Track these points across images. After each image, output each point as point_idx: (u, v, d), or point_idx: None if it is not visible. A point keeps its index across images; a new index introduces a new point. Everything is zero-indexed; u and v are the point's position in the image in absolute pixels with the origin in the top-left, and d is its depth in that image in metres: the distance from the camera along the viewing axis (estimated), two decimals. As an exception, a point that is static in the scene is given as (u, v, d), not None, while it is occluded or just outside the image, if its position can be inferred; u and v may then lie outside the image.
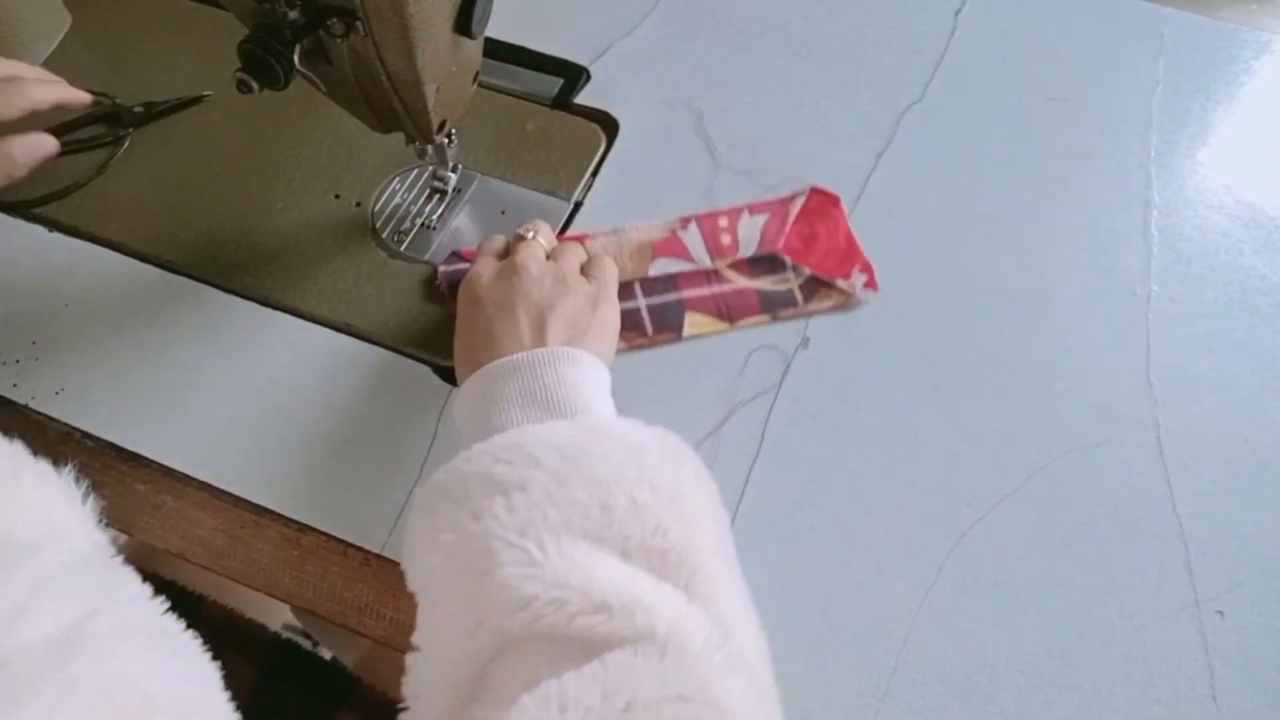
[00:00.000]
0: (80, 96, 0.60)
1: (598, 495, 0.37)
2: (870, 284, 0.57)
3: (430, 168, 0.62)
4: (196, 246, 0.61)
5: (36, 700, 0.26)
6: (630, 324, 0.56)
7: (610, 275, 0.53)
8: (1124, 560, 0.49)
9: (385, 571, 0.50)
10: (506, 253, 0.54)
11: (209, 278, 0.59)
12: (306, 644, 0.68)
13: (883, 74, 0.68)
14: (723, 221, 0.60)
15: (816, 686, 0.46)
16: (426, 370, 0.56)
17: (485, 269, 0.51)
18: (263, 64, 0.44)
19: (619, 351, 0.53)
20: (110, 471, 0.53)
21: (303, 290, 0.59)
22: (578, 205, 0.62)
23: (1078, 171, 0.63)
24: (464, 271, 0.54)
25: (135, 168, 0.64)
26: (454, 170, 0.62)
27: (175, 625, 0.35)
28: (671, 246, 0.59)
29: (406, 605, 0.49)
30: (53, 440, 0.54)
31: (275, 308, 0.58)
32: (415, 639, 0.39)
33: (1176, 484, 0.51)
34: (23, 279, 0.60)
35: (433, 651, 0.38)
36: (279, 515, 0.52)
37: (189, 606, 0.64)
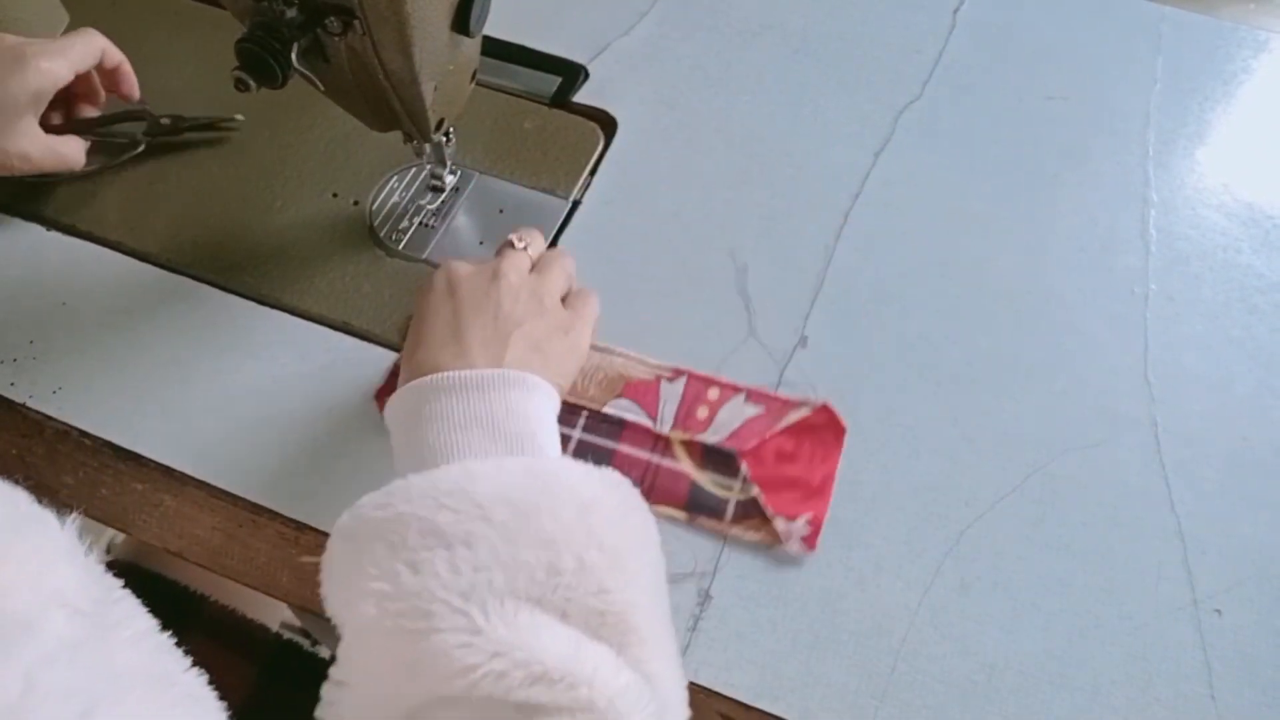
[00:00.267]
0: (135, 91, 0.63)
1: (545, 557, 0.36)
2: (809, 541, 0.49)
3: (428, 166, 0.62)
4: (194, 245, 0.61)
5: None
6: None
7: (590, 310, 0.51)
8: (1122, 559, 0.49)
9: (383, 571, 0.50)
10: None
11: (207, 276, 0.59)
12: (306, 643, 0.68)
13: (881, 73, 0.68)
14: (712, 393, 0.53)
15: (816, 686, 0.46)
16: (425, 369, 0.56)
17: (465, 265, 0.49)
18: (260, 62, 0.44)
19: None
20: (108, 470, 0.53)
21: (300, 289, 0.59)
22: (576, 204, 0.62)
23: (1076, 170, 0.63)
24: None
25: (134, 168, 0.64)
26: (452, 169, 0.62)
27: (177, 666, 0.34)
28: (644, 393, 0.53)
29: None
30: (50, 439, 0.54)
31: (273, 306, 0.58)
32: (338, 673, 0.37)
33: (1175, 483, 0.51)
34: (20, 277, 0.60)
35: (361, 691, 0.36)
36: (277, 514, 0.51)
37: (189, 605, 0.64)
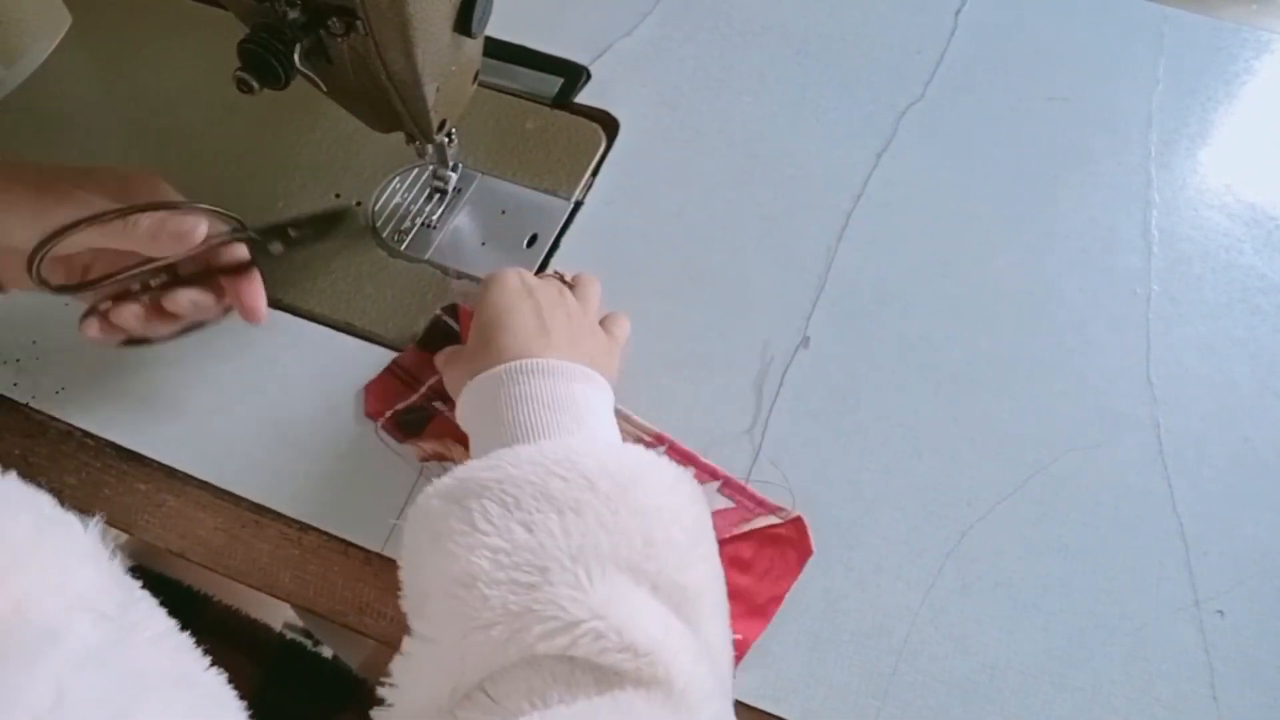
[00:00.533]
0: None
1: (643, 527, 0.38)
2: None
3: (430, 167, 0.62)
4: (197, 246, 0.61)
5: None
6: None
7: (624, 334, 0.55)
8: (1124, 560, 0.49)
9: (386, 571, 0.50)
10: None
11: (209, 277, 0.59)
12: (308, 644, 0.68)
13: (882, 73, 0.68)
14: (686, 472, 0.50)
15: (816, 686, 0.46)
16: (427, 370, 0.56)
17: (527, 272, 0.51)
18: (263, 63, 0.44)
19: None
20: (111, 471, 0.53)
21: (303, 289, 0.59)
22: (578, 205, 0.62)
23: (1078, 171, 0.63)
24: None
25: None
26: (454, 169, 0.62)
27: (197, 666, 0.35)
28: None
29: (407, 605, 0.49)
30: (53, 439, 0.54)
31: (275, 307, 0.58)
32: (422, 627, 0.38)
33: (1176, 483, 0.51)
34: (23, 278, 0.60)
35: (442, 645, 0.37)
36: (279, 514, 0.52)
37: (193, 605, 0.64)
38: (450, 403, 0.52)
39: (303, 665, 0.64)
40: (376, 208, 0.62)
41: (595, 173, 0.64)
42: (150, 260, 0.49)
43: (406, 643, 0.38)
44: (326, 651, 0.81)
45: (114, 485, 0.53)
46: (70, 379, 0.56)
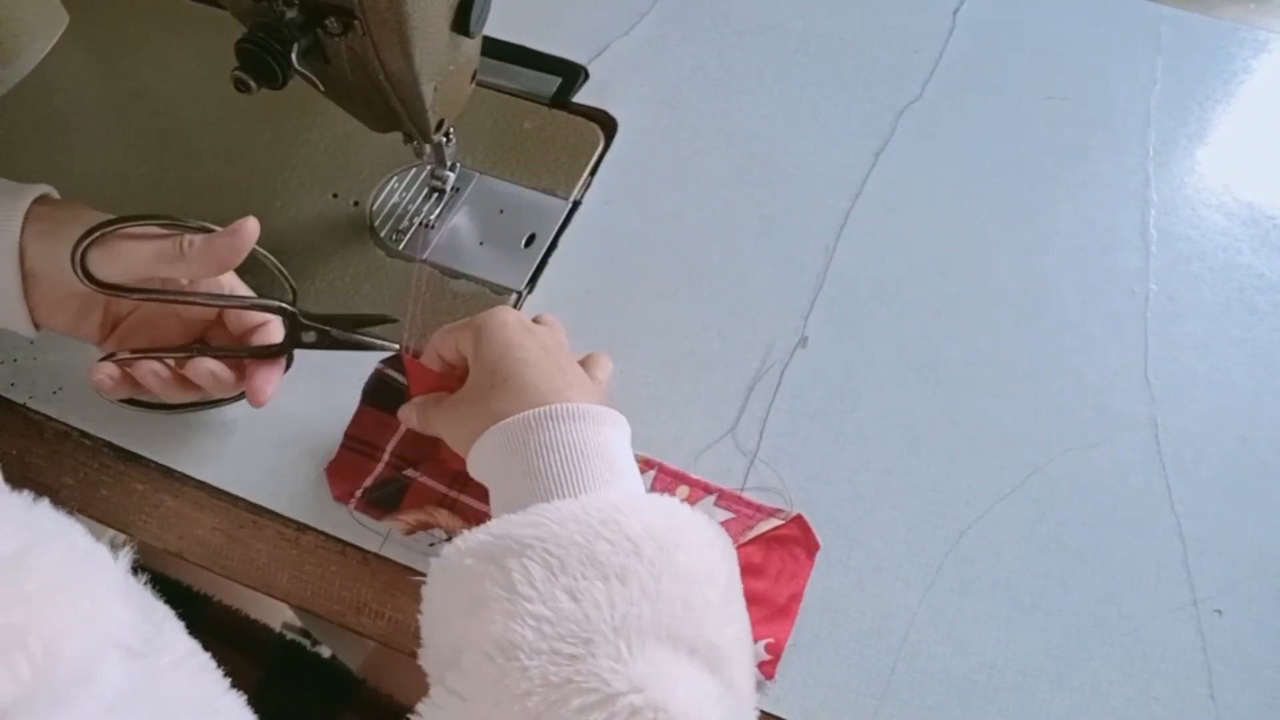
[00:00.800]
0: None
1: (683, 592, 0.37)
2: (766, 670, 0.46)
3: (428, 167, 0.62)
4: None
5: None
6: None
7: (605, 374, 0.53)
8: (1122, 559, 0.49)
9: (383, 571, 0.50)
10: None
11: (207, 277, 0.59)
12: (307, 644, 0.68)
13: (881, 73, 0.68)
14: (681, 491, 0.51)
15: (816, 686, 0.46)
16: (425, 369, 0.56)
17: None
18: (261, 63, 0.44)
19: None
20: (108, 471, 0.53)
21: (301, 289, 0.58)
22: (576, 204, 0.62)
23: (1076, 170, 0.63)
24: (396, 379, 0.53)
25: (134, 167, 0.64)
26: (452, 169, 0.62)
27: (218, 689, 0.35)
28: None
29: (405, 605, 0.49)
30: (51, 439, 0.54)
31: (274, 307, 0.58)
32: (454, 681, 0.37)
33: (1175, 483, 0.51)
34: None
35: (473, 704, 0.36)
36: (277, 515, 0.51)
37: (192, 606, 0.64)
38: (422, 466, 0.51)
39: (301, 665, 0.64)
40: (374, 207, 0.62)
41: (593, 172, 0.64)
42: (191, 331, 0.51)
43: (436, 692, 0.37)
44: (325, 651, 0.81)
45: (111, 485, 0.53)
46: (67, 379, 0.56)
